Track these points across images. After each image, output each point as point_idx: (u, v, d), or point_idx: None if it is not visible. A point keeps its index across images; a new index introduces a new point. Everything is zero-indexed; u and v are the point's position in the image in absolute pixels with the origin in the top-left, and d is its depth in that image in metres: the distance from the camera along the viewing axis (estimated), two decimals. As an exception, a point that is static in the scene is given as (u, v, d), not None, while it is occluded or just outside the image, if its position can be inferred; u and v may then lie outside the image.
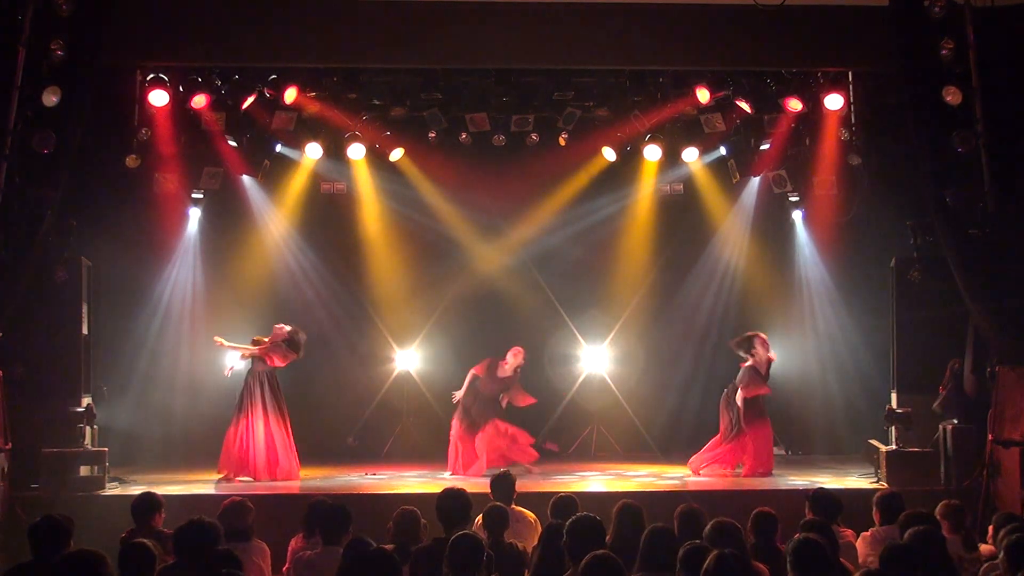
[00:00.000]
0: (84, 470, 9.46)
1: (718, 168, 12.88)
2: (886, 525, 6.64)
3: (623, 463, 11.90)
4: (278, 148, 12.40)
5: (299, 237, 12.95)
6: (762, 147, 12.14)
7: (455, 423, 11.03)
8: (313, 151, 12.14)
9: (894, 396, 10.66)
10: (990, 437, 9.17)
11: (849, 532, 6.73)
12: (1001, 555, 5.29)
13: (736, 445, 10.65)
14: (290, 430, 10.63)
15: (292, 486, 10.21)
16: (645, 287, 13.16)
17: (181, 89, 10.96)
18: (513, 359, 11.07)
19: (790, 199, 12.57)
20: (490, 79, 11.43)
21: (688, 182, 13.14)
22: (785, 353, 12.79)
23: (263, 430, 10.49)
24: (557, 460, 12.31)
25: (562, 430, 13.03)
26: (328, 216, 13.13)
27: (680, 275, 13.22)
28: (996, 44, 9.28)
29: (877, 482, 9.75)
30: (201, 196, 12.18)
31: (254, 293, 12.54)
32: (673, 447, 12.18)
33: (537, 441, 12.78)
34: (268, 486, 10.15)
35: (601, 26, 9.83)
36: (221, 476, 10.44)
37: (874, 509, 6.91)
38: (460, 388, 11.12)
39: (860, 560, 6.46)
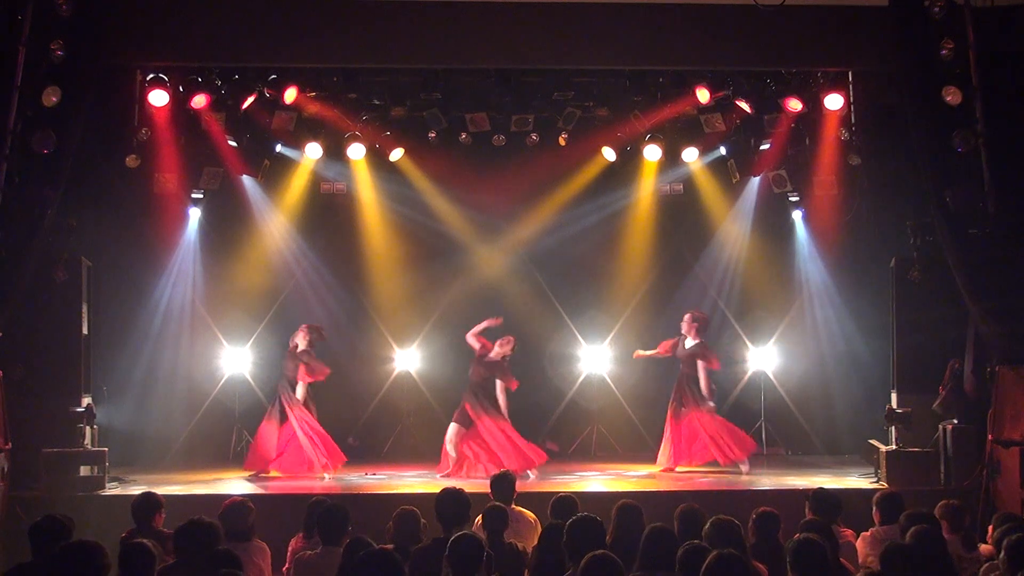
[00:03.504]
0: (84, 470, 9.46)
1: (718, 168, 12.88)
2: (886, 525, 6.65)
3: (623, 463, 11.90)
4: (278, 148, 12.39)
5: (299, 237, 12.94)
6: (762, 147, 12.14)
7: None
8: (313, 151, 12.13)
9: (894, 396, 10.67)
10: (990, 437, 9.18)
11: (849, 532, 6.73)
12: (1001, 555, 5.29)
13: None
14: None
15: (291, 486, 10.22)
16: (645, 287, 13.16)
17: (181, 89, 10.95)
18: (500, 348, 11.02)
19: (790, 199, 12.56)
20: (490, 79, 11.42)
21: (688, 182, 13.13)
22: (785, 353, 12.82)
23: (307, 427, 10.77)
24: (557, 460, 12.31)
25: (562, 430, 13.03)
26: (328, 216, 13.12)
27: (680, 275, 13.22)
28: (996, 44, 9.29)
29: (877, 482, 9.75)
30: (201, 196, 12.18)
31: (254, 293, 12.55)
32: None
33: (537, 441, 12.82)
34: (265, 486, 10.17)
35: (601, 26, 9.82)
36: (253, 474, 10.58)
37: (874, 509, 6.92)
38: (461, 388, 11.12)
39: (860, 560, 6.46)
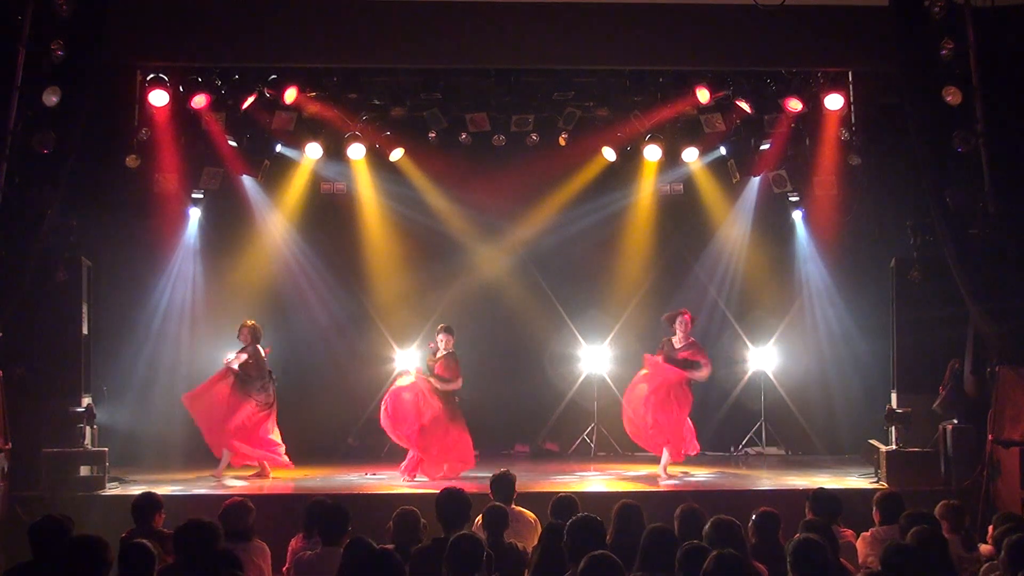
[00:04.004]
0: (84, 470, 9.46)
1: (718, 168, 12.88)
2: (886, 525, 6.65)
3: (623, 463, 11.90)
4: (278, 148, 12.39)
5: (299, 237, 12.94)
6: (762, 147, 12.14)
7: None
8: (313, 151, 12.14)
9: (894, 396, 10.66)
10: (990, 437, 9.18)
11: (849, 532, 6.73)
12: (1001, 555, 5.29)
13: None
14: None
15: (291, 486, 10.22)
16: (645, 287, 13.15)
17: (181, 89, 10.97)
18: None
19: (790, 199, 12.57)
20: (490, 79, 11.43)
21: (688, 182, 13.13)
22: (785, 353, 12.81)
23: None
24: (557, 460, 12.32)
25: (562, 430, 13.03)
26: (328, 216, 13.12)
27: (680, 275, 13.21)
28: (996, 44, 9.29)
29: (877, 482, 9.76)
30: (201, 196, 12.18)
31: (254, 293, 12.53)
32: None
33: (537, 441, 12.83)
34: (266, 486, 10.17)
35: (601, 26, 9.83)
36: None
37: (874, 509, 6.91)
38: (462, 386, 10.98)
39: (860, 560, 6.46)
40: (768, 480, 10.45)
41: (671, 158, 12.52)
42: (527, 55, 10.19)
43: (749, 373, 12.81)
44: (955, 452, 9.55)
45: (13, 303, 9.10)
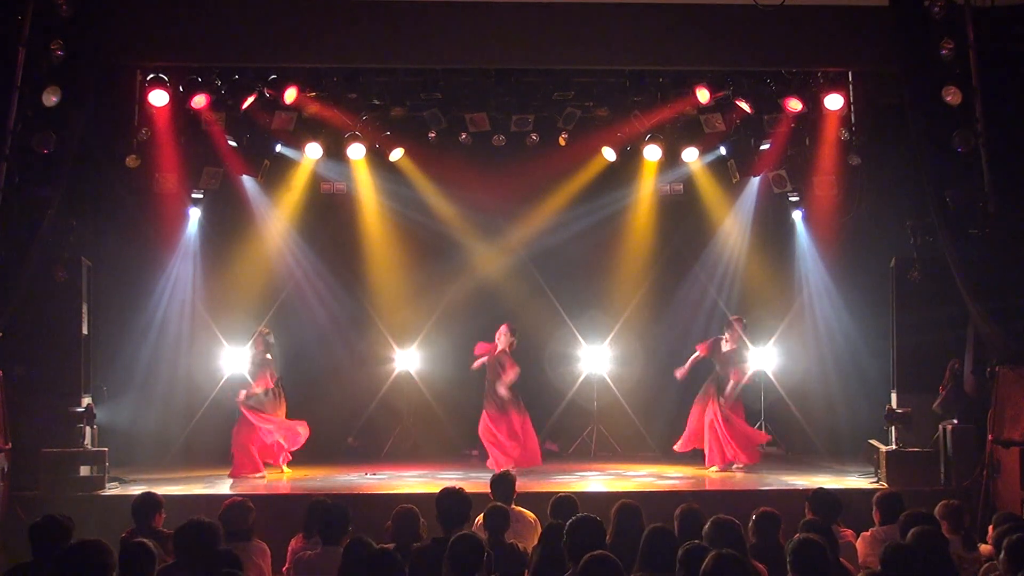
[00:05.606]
0: (84, 470, 9.45)
1: (718, 168, 12.88)
2: (886, 525, 6.65)
3: (623, 463, 11.90)
4: (278, 148, 12.39)
5: (299, 237, 12.94)
6: (762, 147, 12.15)
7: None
8: (313, 151, 12.14)
9: (894, 396, 10.65)
10: (990, 437, 9.18)
11: (849, 532, 6.74)
12: (1001, 555, 5.29)
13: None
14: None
15: (290, 486, 10.23)
16: (645, 287, 13.16)
17: (181, 89, 10.95)
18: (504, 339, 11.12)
19: (790, 199, 12.57)
20: (490, 79, 11.43)
21: (688, 182, 13.14)
22: (785, 353, 12.81)
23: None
24: (557, 460, 12.32)
25: (562, 430, 13.03)
26: (328, 216, 13.13)
27: (680, 275, 13.22)
28: (996, 44, 9.30)
29: (877, 482, 9.75)
30: (201, 196, 12.17)
31: (254, 293, 12.54)
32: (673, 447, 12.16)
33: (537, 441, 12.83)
34: (268, 486, 10.17)
35: (601, 26, 9.83)
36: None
37: (874, 509, 6.92)
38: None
39: (860, 560, 6.47)
40: (768, 480, 10.45)
41: (671, 158, 12.52)
42: (527, 55, 10.19)
43: (749, 373, 12.79)
44: (955, 452, 9.55)
45: (13, 303, 9.10)
